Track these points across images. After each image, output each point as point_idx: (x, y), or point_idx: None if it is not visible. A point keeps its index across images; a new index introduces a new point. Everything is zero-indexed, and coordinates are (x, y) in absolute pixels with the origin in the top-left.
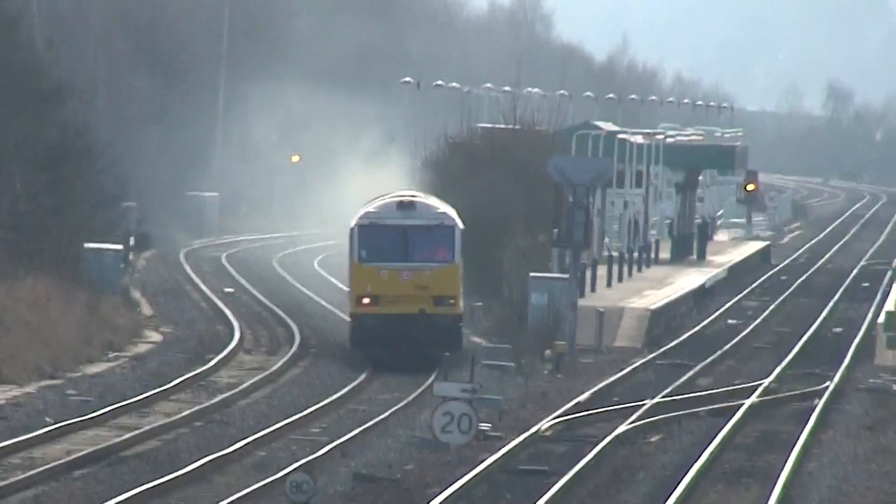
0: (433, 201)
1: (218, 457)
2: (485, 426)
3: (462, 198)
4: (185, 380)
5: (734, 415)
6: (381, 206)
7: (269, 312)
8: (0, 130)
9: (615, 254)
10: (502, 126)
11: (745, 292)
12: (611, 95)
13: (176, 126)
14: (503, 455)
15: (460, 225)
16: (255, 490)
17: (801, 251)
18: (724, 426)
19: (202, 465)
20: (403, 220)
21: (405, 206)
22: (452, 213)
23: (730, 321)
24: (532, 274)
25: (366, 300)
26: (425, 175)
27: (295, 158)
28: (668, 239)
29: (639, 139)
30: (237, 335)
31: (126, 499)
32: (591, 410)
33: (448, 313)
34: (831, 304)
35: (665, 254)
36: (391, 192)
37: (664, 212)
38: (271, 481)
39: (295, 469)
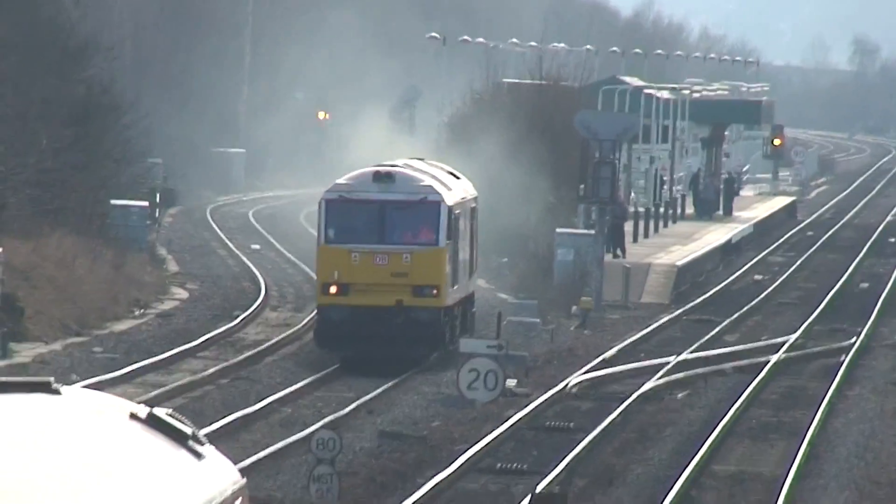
0: (418, 172)
1: (244, 414)
2: (511, 383)
3: (487, 154)
4: (211, 337)
5: (760, 371)
6: (353, 178)
7: (296, 269)
8: (26, 87)
9: (641, 209)
10: (528, 81)
11: (771, 248)
12: (637, 50)
13: (202, 82)
14: (530, 412)
15: (448, 201)
16: (281, 447)
17: (827, 206)
18: (751, 382)
19: (228, 422)
20: (379, 194)
21: (382, 178)
22: (440, 186)
23: (756, 277)
24: (558, 229)
25: (333, 289)
26: (450, 131)
27: (322, 115)
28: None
29: (665, 94)
30: (263, 292)
31: None
32: (617, 367)
33: (430, 306)
34: (857, 259)
35: (690, 209)
36: (406, 158)
37: (690, 167)
38: (297, 439)
39: (321, 426)
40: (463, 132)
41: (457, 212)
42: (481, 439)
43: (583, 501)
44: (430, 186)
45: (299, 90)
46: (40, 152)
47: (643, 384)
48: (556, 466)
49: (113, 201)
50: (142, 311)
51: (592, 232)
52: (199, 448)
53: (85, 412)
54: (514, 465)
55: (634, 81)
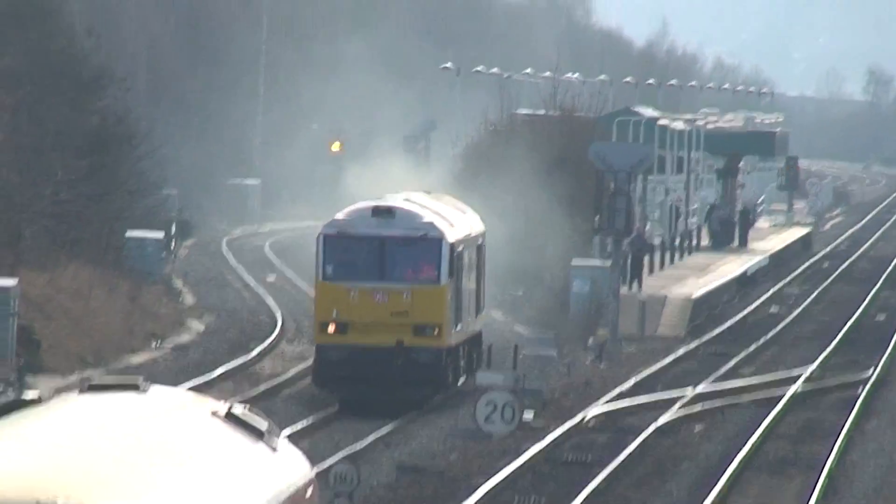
0: (419, 207)
1: None
2: (528, 416)
3: (502, 185)
4: (227, 370)
5: (777, 404)
6: (352, 213)
7: (312, 301)
8: (40, 118)
9: (656, 241)
10: (543, 112)
11: (787, 280)
12: (650, 81)
13: (216, 113)
14: (547, 445)
15: (450, 238)
16: None
17: (842, 238)
18: (768, 415)
19: None
20: (379, 230)
21: (382, 213)
22: (442, 221)
23: (772, 309)
24: (574, 261)
25: (331, 327)
26: (464, 162)
27: (335, 147)
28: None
29: (679, 125)
30: (279, 324)
31: None
32: (634, 399)
33: (431, 346)
34: (874, 291)
35: (706, 241)
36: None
37: (705, 199)
38: (315, 473)
39: (339, 460)
40: (477, 163)
41: (460, 248)
42: (499, 472)
43: None
44: (430, 223)
45: (314, 121)
46: (55, 183)
47: (660, 417)
48: (574, 500)
49: (128, 233)
50: (158, 343)
51: (608, 263)
52: (273, 442)
53: (170, 409)
54: (532, 498)
55: (648, 112)
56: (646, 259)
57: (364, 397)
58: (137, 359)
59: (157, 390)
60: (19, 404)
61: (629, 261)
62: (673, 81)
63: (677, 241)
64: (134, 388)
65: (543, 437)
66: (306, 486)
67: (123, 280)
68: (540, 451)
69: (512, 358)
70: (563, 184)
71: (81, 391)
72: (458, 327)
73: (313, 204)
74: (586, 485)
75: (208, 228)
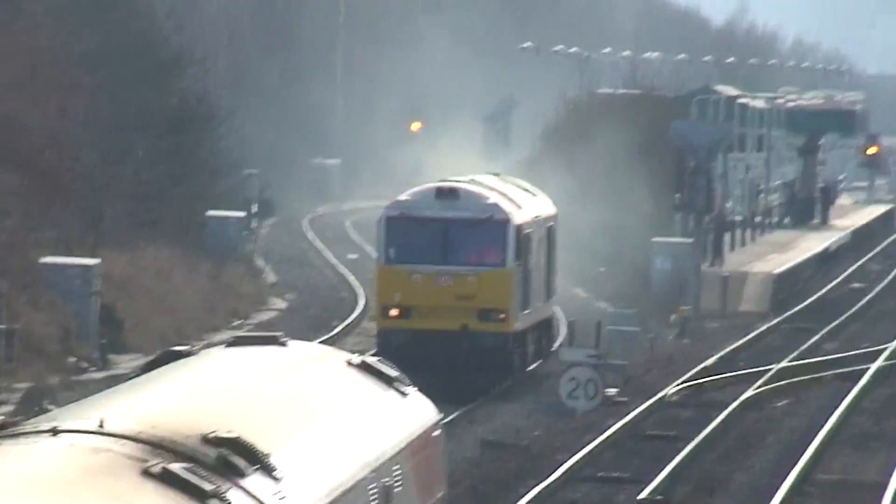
0: (485, 189)
1: None
2: (611, 391)
3: (582, 163)
4: None
5: (861, 379)
6: (416, 194)
7: None
8: (121, 99)
9: (737, 218)
10: (622, 91)
11: (868, 256)
12: (730, 59)
13: (295, 94)
14: (630, 420)
15: (517, 220)
16: None
17: None
18: (851, 390)
19: None
20: (443, 213)
21: (446, 195)
22: (509, 204)
23: (854, 285)
24: (655, 238)
25: (393, 312)
26: (544, 141)
27: (415, 126)
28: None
29: (759, 103)
30: (361, 302)
31: None
32: (717, 375)
33: (497, 331)
34: None
35: (787, 218)
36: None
37: (785, 176)
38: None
39: None
40: (557, 142)
41: (527, 231)
42: (582, 448)
43: None
44: (496, 204)
45: (393, 100)
46: (136, 164)
47: (744, 392)
48: (658, 475)
49: (210, 212)
50: (241, 321)
51: (689, 241)
52: (403, 388)
53: (310, 359)
54: (616, 473)
55: (728, 90)
56: (726, 236)
57: (428, 383)
58: (220, 337)
59: (296, 344)
60: (173, 356)
61: (711, 238)
62: (752, 60)
63: (758, 219)
64: (275, 341)
65: (626, 413)
66: (433, 427)
67: (205, 259)
68: (623, 427)
69: (595, 334)
70: (643, 162)
71: (228, 345)
72: (526, 311)
73: (394, 183)
74: (670, 459)
75: (289, 208)
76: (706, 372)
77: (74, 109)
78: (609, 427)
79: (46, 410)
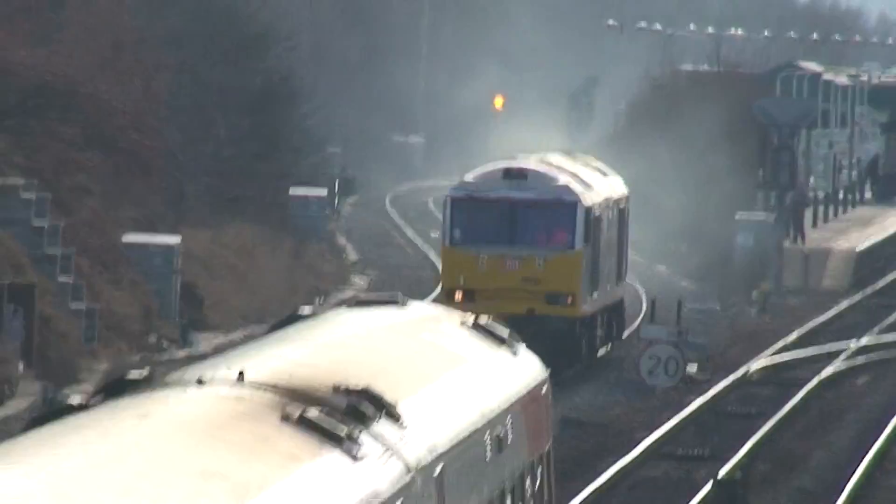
0: (554, 169)
1: None
2: (691, 369)
3: (666, 141)
4: None
5: None
6: (482, 174)
7: None
8: (204, 77)
9: (819, 194)
10: (706, 69)
11: None
12: (814, 36)
13: (378, 72)
14: (710, 398)
15: (586, 201)
16: None
17: None
18: None
19: None
20: (510, 193)
21: (514, 175)
22: (578, 184)
23: None
24: (737, 215)
25: (458, 295)
26: (628, 118)
27: (498, 103)
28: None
29: (843, 80)
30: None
31: None
32: (798, 352)
33: (565, 315)
34: None
35: (868, 194)
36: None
37: (869, 152)
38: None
39: None
40: (641, 119)
41: (597, 213)
42: (662, 426)
43: (764, 487)
44: (565, 185)
45: (476, 77)
46: (218, 142)
47: (824, 369)
48: (738, 452)
49: (292, 190)
50: (322, 299)
51: (772, 217)
52: (514, 347)
53: (427, 319)
54: (695, 451)
55: (812, 67)
56: (807, 212)
57: None
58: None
59: (415, 305)
60: (298, 317)
61: (788, 213)
62: (836, 36)
63: (840, 195)
64: (394, 303)
65: (707, 390)
66: (542, 383)
67: (287, 237)
68: (703, 404)
69: (676, 312)
70: (726, 139)
71: (349, 306)
72: (595, 295)
73: (476, 160)
74: (750, 436)
75: (372, 185)
76: (787, 349)
77: (157, 89)
78: (689, 404)
79: None
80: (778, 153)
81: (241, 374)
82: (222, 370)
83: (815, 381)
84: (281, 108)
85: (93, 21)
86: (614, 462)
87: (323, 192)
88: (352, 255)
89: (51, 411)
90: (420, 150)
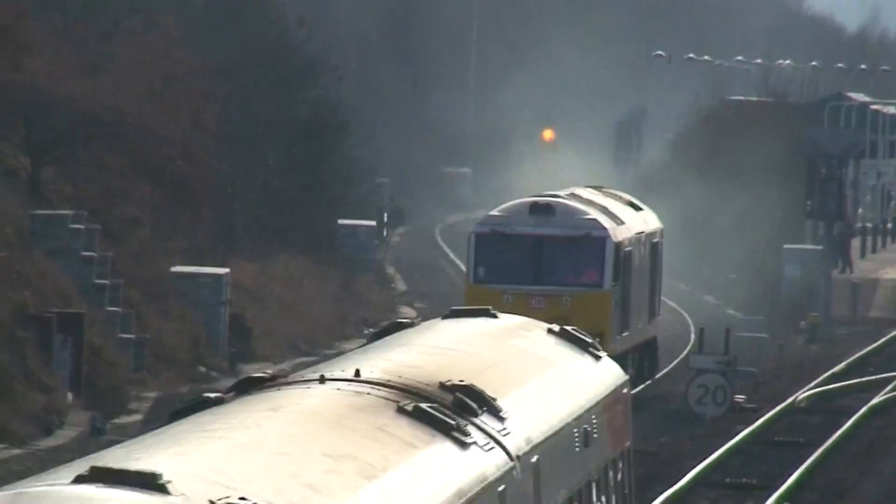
0: (583, 203)
1: None
2: (739, 398)
3: (714, 170)
4: None
5: None
6: (508, 209)
7: None
8: (252, 109)
9: (868, 225)
10: (754, 99)
11: None
12: (862, 66)
13: (426, 104)
14: (759, 426)
15: (617, 237)
16: None
17: None
18: None
19: None
20: (537, 229)
21: (541, 210)
22: (608, 219)
23: None
24: (786, 245)
25: None
26: (676, 149)
27: (547, 135)
28: None
29: (892, 110)
30: None
31: None
32: (846, 381)
33: None
34: None
35: None
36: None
37: None
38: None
39: None
40: (689, 149)
41: (628, 248)
42: (711, 454)
43: None
44: (594, 220)
45: (525, 109)
46: (267, 173)
47: (872, 398)
48: (786, 480)
49: (340, 221)
50: (370, 329)
51: (820, 248)
52: (596, 353)
53: (516, 328)
54: (744, 479)
55: (860, 97)
56: (855, 242)
57: None
58: (349, 346)
59: (505, 316)
60: (399, 326)
61: (835, 243)
62: (885, 67)
63: (889, 225)
64: (486, 313)
65: (755, 419)
66: (623, 386)
67: (335, 268)
68: (751, 433)
69: (724, 341)
70: (775, 169)
71: (444, 317)
72: (625, 334)
73: (524, 192)
74: (798, 465)
75: (420, 216)
76: (835, 378)
77: (206, 119)
78: (737, 433)
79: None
80: (826, 183)
81: (357, 372)
82: (338, 370)
83: (863, 410)
84: (329, 139)
85: (141, 52)
86: (663, 490)
87: (371, 222)
88: (400, 285)
89: (189, 405)
90: (468, 182)
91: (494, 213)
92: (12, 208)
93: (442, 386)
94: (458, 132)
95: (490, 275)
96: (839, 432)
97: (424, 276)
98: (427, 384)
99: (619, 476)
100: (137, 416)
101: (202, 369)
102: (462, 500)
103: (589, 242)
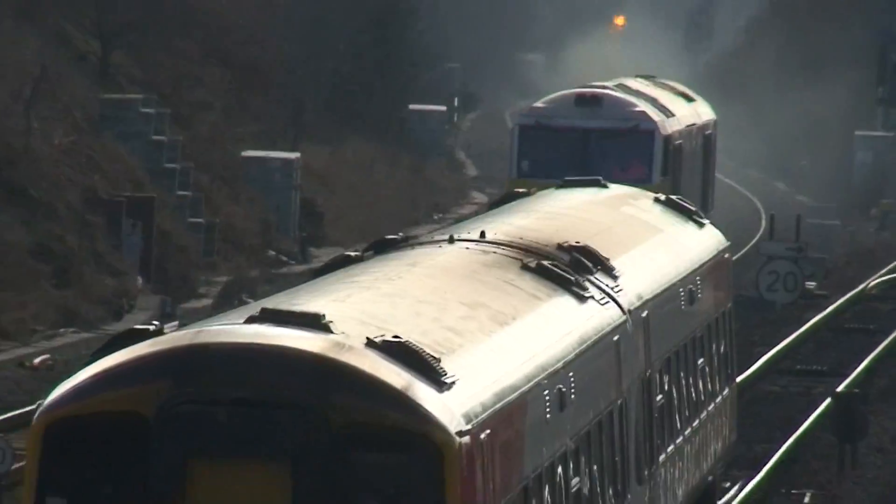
0: (631, 94)
1: None
2: (810, 285)
3: (787, 57)
4: None
5: None
6: (553, 100)
7: None
8: None
9: None
10: None
11: None
12: None
13: None
14: (829, 313)
15: (666, 129)
16: None
17: None
18: None
19: None
20: (583, 121)
21: (587, 101)
22: (657, 111)
23: None
24: (857, 132)
25: None
26: (746, 34)
27: (619, 21)
28: None
29: None
30: None
31: None
32: None
33: None
34: None
35: None
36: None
37: None
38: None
39: None
40: (762, 35)
41: (678, 142)
42: (781, 341)
43: (883, 402)
44: (643, 112)
45: None
46: (338, 58)
47: None
48: (856, 368)
49: (411, 106)
50: (441, 215)
51: (891, 134)
52: (700, 220)
53: (625, 196)
54: (814, 366)
55: None
56: None
57: None
58: (419, 231)
59: (614, 186)
60: (514, 196)
61: None
62: None
63: None
64: (598, 183)
65: (826, 306)
66: (724, 251)
67: (406, 153)
68: (822, 319)
69: (795, 227)
70: (847, 55)
71: (558, 187)
72: None
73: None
74: (869, 352)
75: (492, 101)
76: None
77: (276, 3)
78: (808, 320)
79: (245, 303)
80: None
81: (482, 233)
82: (465, 232)
83: None
84: (400, 24)
85: None
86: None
87: (442, 107)
88: (471, 170)
89: (333, 262)
90: (540, 68)
91: (539, 104)
92: (82, 92)
93: (560, 247)
94: (531, 17)
95: (534, 169)
96: None
97: (495, 160)
98: (546, 245)
99: (719, 336)
100: (207, 301)
101: (272, 254)
102: (582, 347)
103: (636, 135)
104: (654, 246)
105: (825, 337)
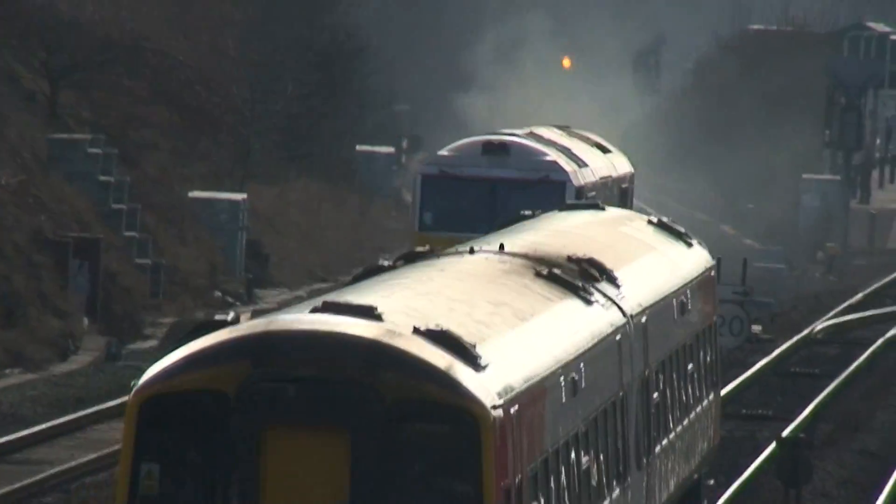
0: (542, 143)
1: None
2: (756, 328)
3: (733, 99)
4: None
5: None
6: (459, 148)
7: None
8: (271, 34)
9: (882, 155)
10: (774, 28)
11: None
12: None
13: (445, 29)
14: (775, 357)
15: (578, 180)
16: None
17: None
18: None
19: None
20: (490, 171)
21: (495, 150)
22: (569, 162)
23: None
24: (804, 175)
25: None
26: (695, 77)
27: (566, 63)
28: None
29: None
30: None
31: None
32: (863, 313)
33: None
34: None
35: None
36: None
37: None
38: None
39: None
40: (709, 78)
41: (591, 194)
42: (727, 385)
43: (828, 447)
44: (554, 162)
45: (542, 36)
46: (285, 99)
47: (889, 330)
48: (801, 412)
49: (358, 147)
50: (387, 256)
51: (838, 178)
52: (689, 240)
53: (622, 218)
54: (759, 410)
55: (880, 27)
56: (874, 173)
57: None
58: None
59: (611, 208)
60: (521, 217)
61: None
62: None
63: None
64: (595, 206)
65: (772, 350)
66: (710, 269)
67: (353, 194)
68: (767, 363)
69: (741, 271)
70: (793, 98)
71: (560, 210)
72: None
73: (543, 120)
74: (814, 397)
75: (439, 143)
76: (852, 309)
77: (225, 44)
78: (754, 364)
79: None
80: (845, 113)
81: (501, 246)
82: (484, 245)
83: (880, 342)
84: (348, 65)
85: None
86: None
87: (390, 149)
88: None
89: (367, 270)
90: (484, 110)
91: (443, 152)
92: (30, 132)
93: (569, 258)
94: (475, 61)
95: (438, 222)
96: (855, 364)
97: None
98: (556, 257)
99: (706, 346)
100: (153, 342)
101: (218, 295)
102: (589, 345)
103: (547, 186)
104: (651, 261)
105: (771, 381)
